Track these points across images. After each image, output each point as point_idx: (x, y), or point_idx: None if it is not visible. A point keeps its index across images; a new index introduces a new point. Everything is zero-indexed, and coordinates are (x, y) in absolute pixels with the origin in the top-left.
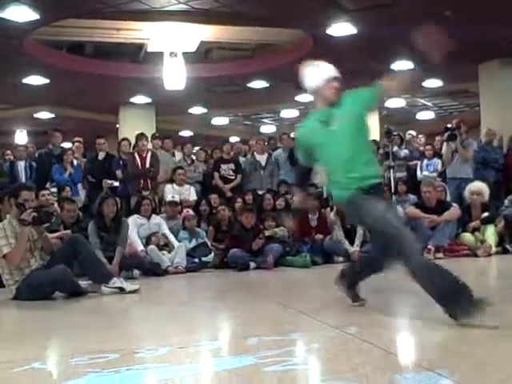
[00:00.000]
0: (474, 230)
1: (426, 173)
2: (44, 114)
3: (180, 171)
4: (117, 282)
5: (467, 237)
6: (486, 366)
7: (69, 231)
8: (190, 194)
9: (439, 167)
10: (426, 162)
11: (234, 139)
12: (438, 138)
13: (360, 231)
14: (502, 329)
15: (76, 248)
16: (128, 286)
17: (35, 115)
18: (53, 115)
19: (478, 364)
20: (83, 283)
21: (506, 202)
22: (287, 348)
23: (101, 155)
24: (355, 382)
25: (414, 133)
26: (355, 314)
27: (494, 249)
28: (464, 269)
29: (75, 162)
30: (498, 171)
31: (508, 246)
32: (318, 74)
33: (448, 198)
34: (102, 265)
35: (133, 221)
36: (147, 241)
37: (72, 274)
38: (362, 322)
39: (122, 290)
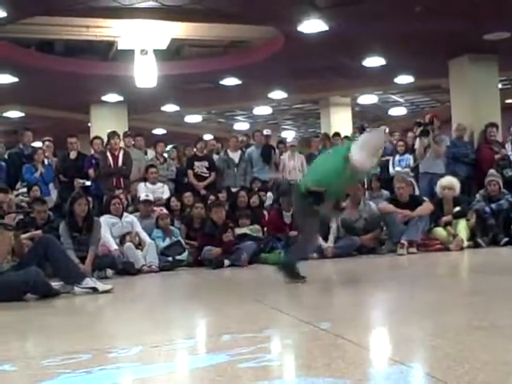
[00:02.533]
0: (446, 225)
1: (398, 168)
2: (13, 113)
3: (152, 170)
4: (89, 282)
5: (439, 231)
6: (456, 358)
7: (40, 231)
8: (164, 192)
9: (411, 163)
10: (398, 157)
11: (207, 137)
12: (410, 134)
13: (334, 227)
14: (473, 323)
15: (47, 249)
16: (101, 285)
17: (4, 114)
18: (23, 114)
19: (450, 357)
20: (55, 284)
21: (478, 196)
22: (261, 344)
23: (72, 154)
24: (329, 376)
25: (387, 129)
26: (328, 309)
27: (465, 243)
28: (437, 263)
29: (46, 162)
30: (469, 166)
31: (479, 240)
32: None
33: (417, 193)
34: (74, 265)
35: (105, 220)
36: (121, 240)
37: (44, 276)
38: (335, 317)
39: (94, 290)
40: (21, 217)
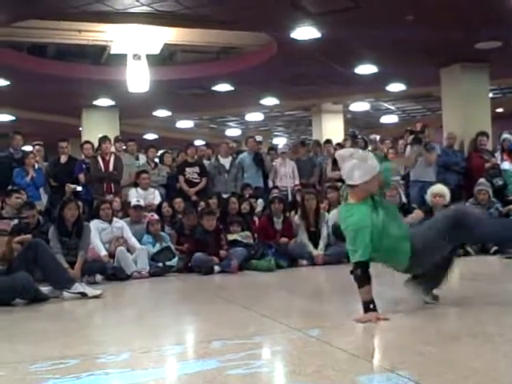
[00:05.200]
0: None
1: None
2: (4, 117)
3: (144, 175)
4: (79, 287)
5: None
6: (446, 366)
7: (29, 236)
8: (155, 197)
9: (401, 171)
10: None
11: (199, 142)
12: (401, 142)
13: (324, 234)
14: (463, 330)
15: (37, 253)
16: (90, 291)
17: None
18: (13, 118)
19: (439, 365)
20: (44, 289)
21: (467, 205)
22: (251, 351)
23: (63, 159)
24: (318, 383)
25: (378, 136)
26: (318, 316)
27: None
28: None
29: (37, 166)
30: (459, 174)
31: (469, 249)
32: (367, 170)
33: (404, 201)
34: (64, 270)
35: (94, 225)
36: (110, 245)
37: (33, 281)
38: (325, 324)
39: (84, 295)
40: (15, 222)
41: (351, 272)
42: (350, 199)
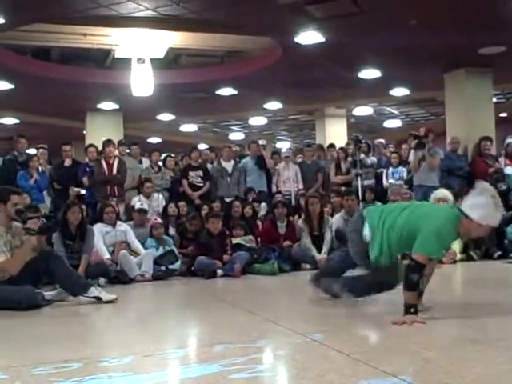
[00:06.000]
0: None
1: (391, 180)
2: (9, 120)
3: (148, 184)
4: (94, 291)
5: None
6: (448, 371)
7: (33, 238)
8: (159, 204)
9: (404, 175)
10: (391, 169)
11: (202, 146)
12: (404, 146)
13: (327, 238)
14: (466, 336)
15: (49, 264)
16: (105, 295)
17: (0, 121)
18: (18, 121)
19: (441, 370)
20: (48, 293)
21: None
22: (253, 355)
23: (67, 162)
24: None
25: (383, 141)
26: (321, 320)
27: (458, 256)
28: None
29: (40, 169)
30: (462, 179)
31: (472, 253)
32: (488, 217)
33: None
34: (78, 276)
35: (98, 229)
36: (113, 249)
37: (40, 297)
38: (328, 329)
39: (99, 299)
40: (43, 220)
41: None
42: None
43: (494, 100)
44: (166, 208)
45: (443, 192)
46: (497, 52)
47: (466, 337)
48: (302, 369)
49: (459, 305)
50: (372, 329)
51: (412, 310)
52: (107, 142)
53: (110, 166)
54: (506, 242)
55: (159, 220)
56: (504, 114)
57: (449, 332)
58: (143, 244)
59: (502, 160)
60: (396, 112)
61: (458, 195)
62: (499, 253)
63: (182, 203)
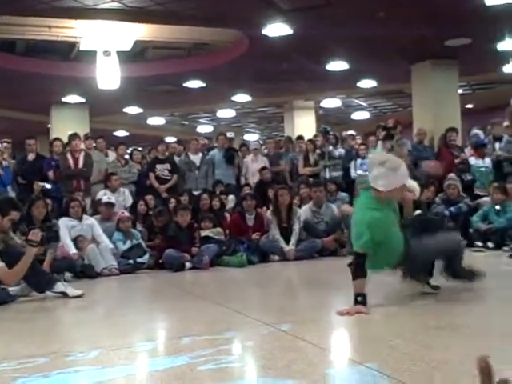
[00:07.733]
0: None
1: (359, 172)
2: None
3: (114, 177)
4: (60, 286)
5: None
6: (414, 358)
7: (34, 250)
8: (125, 198)
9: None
10: (359, 161)
11: (170, 139)
12: (371, 138)
13: (296, 230)
14: (431, 323)
15: (11, 260)
16: (71, 291)
17: None
18: None
19: (408, 357)
20: (13, 289)
21: (437, 199)
22: (221, 347)
23: (31, 156)
24: (289, 378)
25: (354, 133)
26: (288, 311)
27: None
28: None
29: (4, 163)
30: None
31: (488, 243)
32: (393, 181)
33: None
34: (44, 272)
35: (64, 223)
36: (76, 244)
37: (4, 293)
38: (295, 319)
39: (65, 294)
40: (43, 234)
41: (349, 265)
42: (373, 193)
43: (460, 91)
44: (135, 204)
45: (410, 183)
46: (462, 44)
47: (430, 324)
48: (269, 359)
49: (425, 293)
50: (339, 319)
51: (359, 299)
52: (73, 136)
53: (76, 160)
54: (470, 230)
55: (126, 213)
56: (470, 106)
57: (414, 319)
58: (110, 238)
59: (467, 151)
60: (364, 104)
61: (425, 186)
62: (465, 242)
63: (149, 197)
